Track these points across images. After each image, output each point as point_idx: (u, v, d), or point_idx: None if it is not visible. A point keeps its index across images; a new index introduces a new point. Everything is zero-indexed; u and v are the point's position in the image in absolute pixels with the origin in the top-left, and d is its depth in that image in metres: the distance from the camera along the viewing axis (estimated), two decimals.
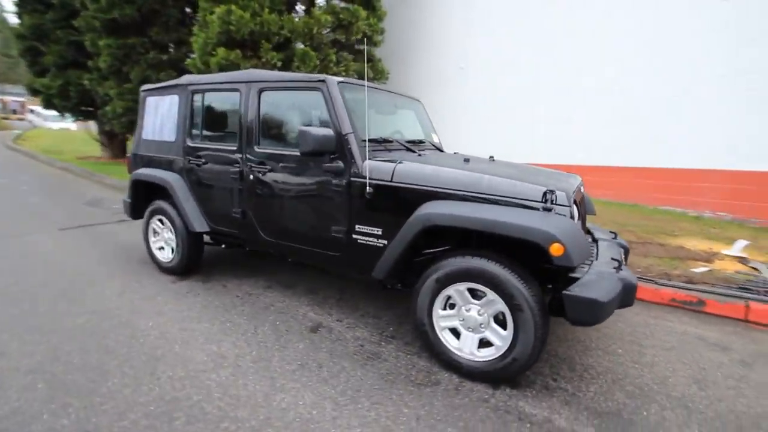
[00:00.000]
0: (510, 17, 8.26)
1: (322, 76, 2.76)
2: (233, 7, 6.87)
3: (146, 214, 3.86)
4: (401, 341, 2.73)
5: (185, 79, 3.56)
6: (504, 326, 2.18)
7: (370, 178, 2.54)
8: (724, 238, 5.06)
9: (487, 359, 2.22)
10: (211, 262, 4.17)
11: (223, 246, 3.76)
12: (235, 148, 3.18)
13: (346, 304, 3.30)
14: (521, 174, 2.50)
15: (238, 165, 3.16)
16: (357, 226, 2.68)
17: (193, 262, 3.74)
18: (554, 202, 2.16)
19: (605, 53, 6.95)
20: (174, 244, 3.69)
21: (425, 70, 9.66)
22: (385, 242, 2.58)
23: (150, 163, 3.86)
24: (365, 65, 3.25)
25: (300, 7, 8.49)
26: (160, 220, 3.80)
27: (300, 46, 7.58)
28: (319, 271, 4.00)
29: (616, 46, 6.84)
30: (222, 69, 7.11)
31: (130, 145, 5.10)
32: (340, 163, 2.66)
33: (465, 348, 2.29)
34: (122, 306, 3.12)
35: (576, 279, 2.10)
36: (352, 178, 2.63)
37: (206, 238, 3.75)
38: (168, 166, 3.67)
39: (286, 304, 3.24)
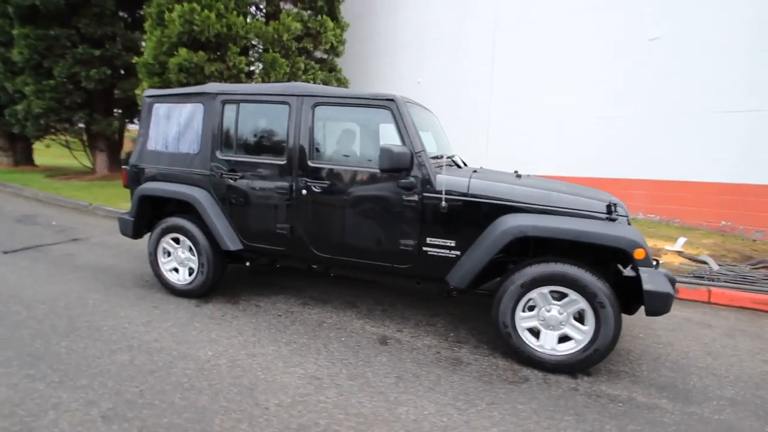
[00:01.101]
0: (462, 35, 8.93)
1: (390, 95, 2.84)
2: (197, 5, 6.42)
3: (156, 232, 3.49)
4: (469, 345, 2.91)
5: (212, 87, 3.33)
6: (582, 322, 2.50)
7: (446, 192, 2.70)
8: (660, 236, 6.14)
9: (569, 352, 2.51)
10: (226, 280, 3.90)
11: (248, 264, 3.57)
12: (283, 163, 3.08)
13: (393, 314, 3.37)
14: (571, 189, 2.86)
15: (287, 180, 3.07)
16: (428, 239, 2.81)
17: (216, 283, 3.49)
18: (617, 213, 2.55)
19: (549, 80, 7.92)
20: (195, 264, 3.40)
21: (382, 83, 9.95)
22: (458, 253, 2.76)
23: (159, 177, 3.51)
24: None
25: (259, 11, 8.20)
26: (175, 239, 3.47)
27: (256, 48, 7.34)
28: (343, 284, 3.99)
29: (563, 76, 7.84)
30: (183, 71, 6.59)
31: (41, 153, 4.39)
32: (412, 179, 2.77)
33: (546, 345, 2.57)
34: (161, 337, 2.81)
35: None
36: (425, 193, 2.76)
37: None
38: (188, 180, 3.38)
39: (335, 320, 3.21)
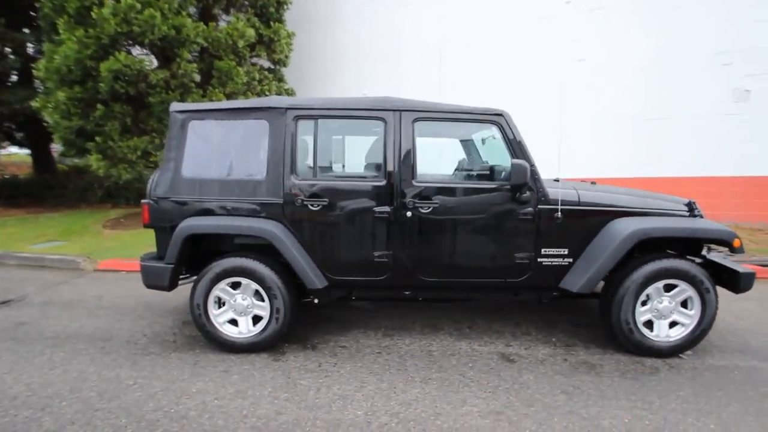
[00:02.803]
0: (407, 47, 9.20)
1: (499, 109, 2.82)
2: (136, 3, 5.35)
3: (206, 279, 2.80)
4: (579, 347, 3.02)
5: (279, 101, 2.82)
6: (686, 308, 2.84)
7: (563, 203, 2.79)
8: None
9: (680, 336, 2.81)
10: None
11: (316, 301, 3.12)
12: (381, 184, 2.79)
13: (483, 330, 3.31)
14: (647, 193, 3.22)
15: (386, 202, 2.78)
16: (543, 250, 2.86)
17: (290, 330, 2.96)
18: (697, 210, 2.97)
19: (494, 93, 8.70)
20: (264, 311, 2.84)
21: (326, 94, 9.63)
22: (571, 260, 2.88)
23: (206, 210, 2.83)
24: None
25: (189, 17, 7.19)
26: (233, 285, 2.84)
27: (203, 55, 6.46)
28: (402, 309, 3.76)
29: (507, 90, 8.66)
30: (121, 79, 5.41)
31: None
32: (528, 193, 2.79)
33: (661, 334, 2.83)
34: (281, 407, 2.27)
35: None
36: (540, 206, 2.81)
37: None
38: (251, 211, 2.81)
39: (440, 346, 3.02)
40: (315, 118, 2.82)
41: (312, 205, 2.79)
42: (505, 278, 2.90)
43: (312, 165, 2.86)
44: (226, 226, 2.77)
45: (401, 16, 8.85)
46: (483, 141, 3.52)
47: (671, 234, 2.72)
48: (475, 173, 3.02)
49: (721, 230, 2.73)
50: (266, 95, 7.13)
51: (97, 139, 5.73)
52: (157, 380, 2.55)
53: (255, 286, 2.82)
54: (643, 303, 2.83)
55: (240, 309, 2.88)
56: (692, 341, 2.81)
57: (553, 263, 2.88)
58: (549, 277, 2.90)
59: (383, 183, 2.80)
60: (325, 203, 2.78)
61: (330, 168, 2.88)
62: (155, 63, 6.04)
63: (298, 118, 2.81)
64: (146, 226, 2.94)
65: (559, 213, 2.80)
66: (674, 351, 2.83)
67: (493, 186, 2.80)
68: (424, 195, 2.79)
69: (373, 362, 2.79)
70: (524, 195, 2.77)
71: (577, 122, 7.82)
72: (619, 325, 2.81)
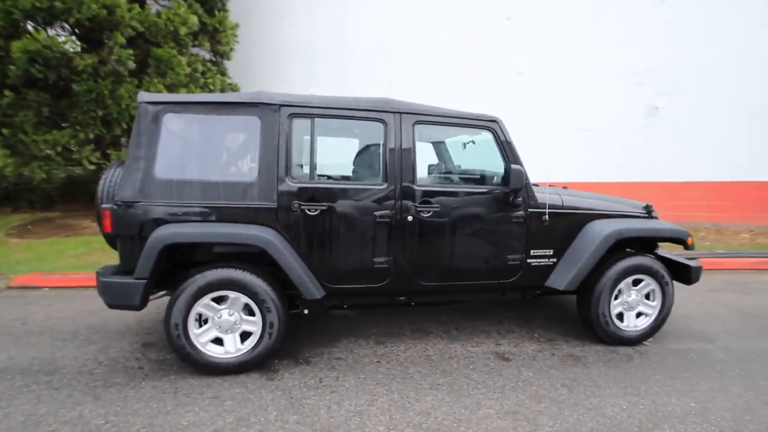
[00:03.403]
0: (357, 46, 9.12)
1: (493, 116, 2.89)
2: None
3: (187, 294, 2.46)
4: (560, 341, 3.22)
5: (270, 96, 2.58)
6: (649, 299, 3.17)
7: (549, 207, 2.96)
8: None
9: (646, 325, 3.14)
10: None
11: (306, 312, 2.93)
12: (381, 187, 2.70)
13: (471, 331, 3.37)
14: (606, 197, 3.55)
15: (387, 207, 2.70)
16: (532, 251, 3.00)
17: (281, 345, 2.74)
18: (653, 212, 3.34)
19: (444, 96, 8.99)
20: (255, 327, 2.60)
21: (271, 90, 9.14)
22: (555, 260, 3.06)
23: (184, 215, 2.50)
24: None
25: None
26: (217, 299, 2.55)
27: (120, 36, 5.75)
28: (384, 315, 3.69)
29: (454, 94, 8.97)
30: (38, 62, 4.59)
31: None
32: (521, 197, 2.91)
33: (630, 324, 3.13)
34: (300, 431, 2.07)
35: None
36: (530, 209, 2.95)
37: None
38: (240, 217, 2.54)
39: (436, 351, 3.01)
40: (311, 116, 2.64)
41: (309, 210, 2.61)
42: (498, 279, 3.00)
43: (309, 167, 2.67)
44: (214, 234, 2.46)
45: (352, 15, 8.76)
46: (464, 145, 3.61)
47: (641, 234, 3.04)
48: (468, 178, 3.08)
49: (678, 230, 3.11)
50: (210, 89, 6.56)
51: (5, 131, 4.76)
52: (135, 416, 2.18)
53: (245, 299, 2.56)
54: (615, 297, 3.12)
55: (226, 326, 2.58)
56: (655, 329, 3.16)
57: (540, 263, 3.04)
58: (536, 277, 3.05)
59: (384, 186, 2.72)
60: (324, 208, 2.62)
61: (329, 169, 2.72)
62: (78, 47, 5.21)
63: (293, 115, 2.61)
64: (107, 236, 2.51)
65: (547, 216, 2.96)
66: (640, 339, 3.15)
67: (491, 190, 2.87)
68: (425, 199, 2.77)
69: (375, 372, 2.69)
70: (518, 199, 2.89)
71: (515, 130, 8.40)
72: (597, 319, 3.05)
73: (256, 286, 2.53)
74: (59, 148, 4.97)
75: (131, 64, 5.24)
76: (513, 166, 2.72)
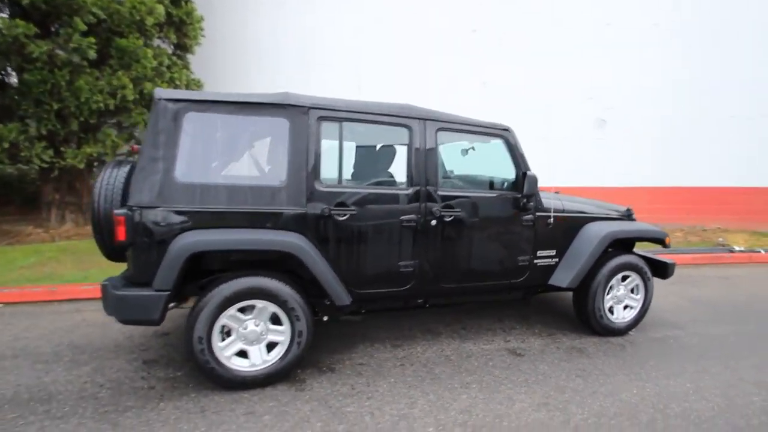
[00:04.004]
0: (326, 48, 9.02)
1: (505, 125, 3.04)
2: None
3: (211, 306, 2.31)
4: (560, 334, 3.45)
5: (298, 98, 2.49)
6: (633, 293, 3.52)
7: (555, 211, 3.18)
8: None
9: (632, 317, 3.47)
10: None
11: (325, 319, 2.88)
12: (408, 192, 2.73)
13: (477, 329, 3.50)
14: (590, 201, 3.87)
15: (413, 211, 2.74)
16: (539, 252, 3.21)
17: None
18: (632, 214, 3.71)
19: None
20: (282, 336, 2.51)
21: (234, 91, 8.73)
22: (557, 260, 3.30)
23: (208, 221, 2.34)
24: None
25: None
26: (242, 309, 2.42)
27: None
28: (395, 318, 3.71)
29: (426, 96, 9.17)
30: None
31: None
32: (532, 202, 3.10)
33: (619, 316, 3.44)
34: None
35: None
36: (537, 213, 3.15)
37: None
38: (267, 222, 2.43)
39: (450, 351, 3.09)
40: (340, 120, 2.61)
41: (339, 215, 2.57)
42: (509, 279, 3.16)
43: (337, 171, 2.63)
44: (245, 241, 2.33)
45: (321, 19, 8.64)
46: (464, 152, 3.75)
47: (632, 235, 3.37)
48: (481, 183, 3.21)
49: (659, 231, 3.49)
50: (176, 85, 6.13)
51: None
52: None
53: (273, 308, 2.46)
54: (607, 292, 3.43)
55: (252, 337, 2.46)
56: (638, 320, 3.51)
57: (545, 263, 3.25)
58: (541, 276, 3.26)
59: (410, 191, 2.75)
60: (354, 212, 2.60)
61: (357, 174, 2.70)
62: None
63: (321, 119, 2.55)
64: (120, 245, 2.27)
65: (552, 219, 3.19)
66: (627, 329, 3.48)
67: (507, 195, 3.03)
68: (448, 204, 2.85)
69: (402, 375, 2.71)
70: (530, 203, 3.07)
71: None
72: (593, 312, 3.33)
73: (285, 294, 2.44)
74: (7, 144, 4.33)
75: (92, 54, 4.73)
76: (529, 172, 2.89)
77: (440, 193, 2.83)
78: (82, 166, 5.09)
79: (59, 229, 5.55)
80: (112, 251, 2.59)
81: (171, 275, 2.22)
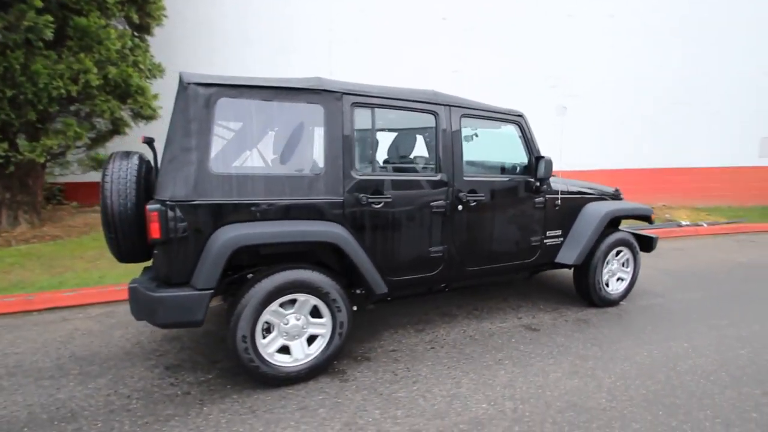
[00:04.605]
0: (292, 36, 8.68)
1: (519, 111, 3.15)
2: None
3: (255, 301, 2.21)
4: (563, 308, 3.69)
5: (331, 83, 2.40)
6: (624, 266, 3.85)
7: (561, 193, 3.37)
8: None
9: (624, 288, 3.79)
10: None
11: (355, 309, 2.85)
12: (437, 179, 2.76)
13: (489, 310, 3.64)
14: (585, 183, 4.14)
15: (442, 197, 2.78)
16: (548, 232, 3.39)
17: None
18: (620, 194, 4.02)
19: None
20: (323, 329, 2.46)
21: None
22: (562, 239, 3.51)
23: (244, 214, 2.21)
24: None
25: None
26: (282, 304, 2.34)
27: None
28: (406, 303, 3.75)
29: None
30: None
31: None
32: (545, 185, 3.25)
33: (613, 288, 3.75)
34: (417, 423, 2.06)
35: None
36: (548, 195, 3.32)
37: None
38: (303, 213, 2.35)
39: (472, 331, 3.20)
40: (372, 106, 2.56)
41: (375, 203, 2.55)
42: (523, 260, 3.32)
43: (370, 158, 2.59)
44: (289, 233, 2.23)
45: (289, 2, 8.28)
46: (469, 138, 3.83)
47: (626, 213, 3.66)
48: (500, 168, 3.31)
49: (646, 208, 3.82)
50: (140, 69, 5.61)
51: None
52: None
53: (314, 301, 2.40)
54: (604, 267, 3.71)
55: (294, 332, 2.39)
56: (628, 291, 3.85)
57: (553, 243, 3.45)
58: (549, 255, 3.46)
59: (438, 177, 2.79)
60: (389, 200, 2.59)
61: (389, 161, 2.67)
62: None
63: (355, 105, 2.49)
64: (155, 242, 2.09)
65: (559, 201, 3.38)
66: (619, 300, 3.80)
67: (523, 179, 3.15)
68: (472, 189, 2.92)
69: (437, 358, 2.78)
70: (543, 186, 3.23)
71: None
72: (594, 286, 3.60)
73: (327, 286, 2.40)
74: None
75: (48, 34, 4.18)
76: (546, 157, 3.03)
77: (465, 178, 2.90)
78: (42, 160, 4.52)
79: (13, 232, 4.92)
80: (129, 252, 2.38)
81: (215, 273, 2.09)
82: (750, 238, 7.06)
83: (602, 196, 3.80)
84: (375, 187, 2.56)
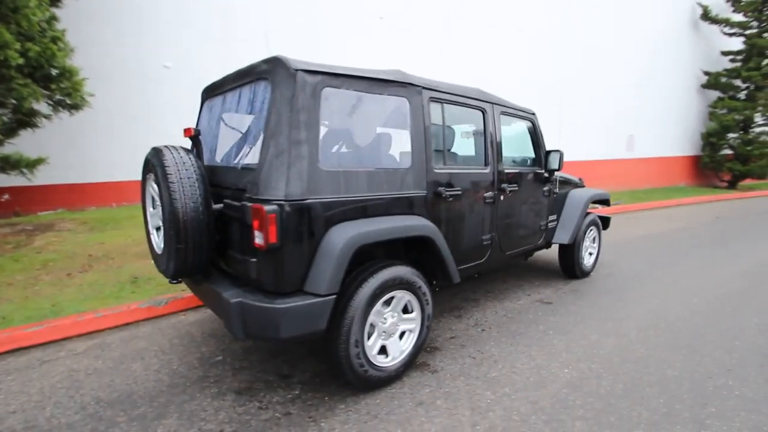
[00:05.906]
0: (229, 24, 7.87)
1: (533, 109, 3.49)
2: None
3: (362, 303, 2.10)
4: (555, 282, 4.23)
5: (413, 77, 2.36)
6: (593, 242, 4.57)
7: (555, 180, 3.87)
8: None
9: (593, 261, 4.51)
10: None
11: None
12: (487, 171, 2.94)
13: (500, 290, 3.99)
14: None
15: (491, 188, 2.97)
16: (549, 217, 3.86)
17: None
18: (583, 182, 4.75)
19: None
20: (413, 324, 2.47)
21: (109, 61, 6.79)
22: (557, 223, 4.03)
23: (349, 213, 2.08)
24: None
25: None
26: (386, 302, 2.28)
27: None
28: None
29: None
30: None
31: None
32: (554, 175, 3.69)
33: (588, 262, 4.44)
34: (509, 397, 2.22)
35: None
36: (549, 183, 3.78)
37: None
38: (392, 208, 2.30)
39: (503, 310, 3.49)
40: (442, 101, 2.61)
41: (449, 196, 2.62)
42: (534, 242, 3.73)
43: (442, 152, 2.63)
44: (398, 229, 2.17)
45: None
46: (465, 134, 4.11)
47: (598, 198, 4.35)
48: (524, 160, 3.63)
49: (606, 193, 4.59)
50: (61, 47, 4.51)
51: None
52: None
53: (408, 296, 2.38)
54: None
55: (391, 330, 2.34)
56: (596, 262, 4.60)
57: (551, 226, 3.94)
58: (548, 237, 3.95)
59: (488, 170, 2.97)
60: (459, 192, 2.68)
61: (455, 156, 2.73)
62: None
63: (432, 99, 2.51)
64: (271, 247, 1.81)
65: (557, 188, 3.87)
66: (591, 270, 4.53)
67: (537, 169, 3.54)
68: (508, 180, 3.18)
69: (497, 336, 2.99)
70: (553, 177, 3.66)
71: None
72: (578, 261, 4.22)
73: (420, 281, 2.40)
74: None
75: None
76: (560, 150, 3.46)
77: (505, 171, 3.15)
78: None
79: None
80: (195, 264, 2.04)
81: (338, 275, 1.94)
82: (634, 216, 8.90)
83: (578, 185, 4.45)
84: (448, 181, 2.63)
